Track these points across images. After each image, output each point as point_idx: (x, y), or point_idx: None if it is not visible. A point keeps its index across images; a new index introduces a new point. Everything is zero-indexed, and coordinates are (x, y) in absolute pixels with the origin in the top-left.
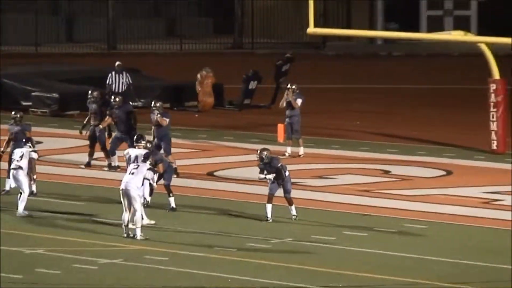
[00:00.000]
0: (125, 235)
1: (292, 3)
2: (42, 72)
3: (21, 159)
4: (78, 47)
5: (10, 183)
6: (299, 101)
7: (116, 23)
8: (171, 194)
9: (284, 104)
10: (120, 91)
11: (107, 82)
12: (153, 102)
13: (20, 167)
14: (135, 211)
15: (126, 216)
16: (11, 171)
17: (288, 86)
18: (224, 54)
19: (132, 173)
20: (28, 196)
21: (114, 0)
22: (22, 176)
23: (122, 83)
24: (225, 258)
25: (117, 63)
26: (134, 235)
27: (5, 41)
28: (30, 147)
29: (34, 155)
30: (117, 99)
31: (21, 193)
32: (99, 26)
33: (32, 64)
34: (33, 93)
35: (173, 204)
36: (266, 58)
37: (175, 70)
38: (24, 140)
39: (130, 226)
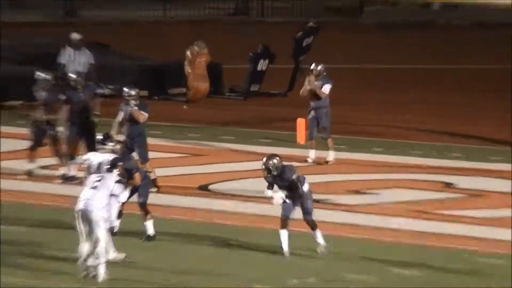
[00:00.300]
0: (82, 275)
1: None
2: None
3: None
4: (24, 15)
5: None
6: (326, 88)
7: None
8: (148, 217)
9: (306, 93)
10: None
11: (58, 60)
12: (125, 89)
13: None
14: (97, 240)
15: (84, 247)
16: None
17: (312, 66)
18: (224, 23)
19: (94, 187)
20: None
21: None
22: None
23: (81, 63)
24: None
25: (73, 34)
26: (95, 275)
27: None
28: None
29: None
30: (77, 79)
31: None
32: None
33: None
34: None
35: (151, 231)
36: (280, 28)
37: (156, 45)
38: None
39: (90, 262)
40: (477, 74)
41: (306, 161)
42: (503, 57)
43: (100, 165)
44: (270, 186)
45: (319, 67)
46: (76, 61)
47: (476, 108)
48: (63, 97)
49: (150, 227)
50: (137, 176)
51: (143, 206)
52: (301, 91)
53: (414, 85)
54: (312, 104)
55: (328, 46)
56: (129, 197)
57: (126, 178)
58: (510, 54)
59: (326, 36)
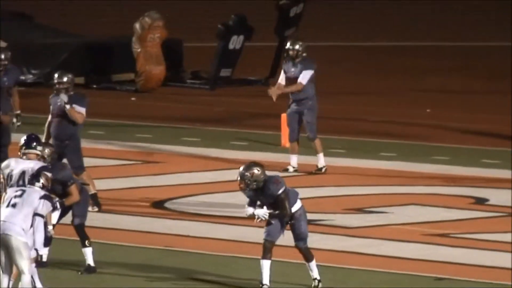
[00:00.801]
0: None
1: None
2: None
3: None
4: None
5: None
6: (304, 77)
7: None
8: (87, 243)
9: (283, 81)
10: None
11: None
12: (56, 75)
13: None
14: (21, 272)
15: (5, 280)
16: None
17: (288, 45)
18: None
19: (14, 205)
20: None
21: None
22: None
23: None
24: None
25: None
26: None
27: None
28: None
29: None
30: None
31: None
32: None
33: None
34: None
35: (90, 261)
36: None
37: (94, 16)
38: None
39: None
40: None
41: (286, 169)
42: None
43: (23, 175)
44: (252, 203)
45: (297, 46)
46: None
47: None
48: None
49: (89, 256)
50: (74, 190)
51: (80, 229)
52: (279, 79)
53: (439, 70)
54: (292, 95)
55: (324, 16)
56: (61, 217)
57: (59, 192)
58: None
59: (321, 3)
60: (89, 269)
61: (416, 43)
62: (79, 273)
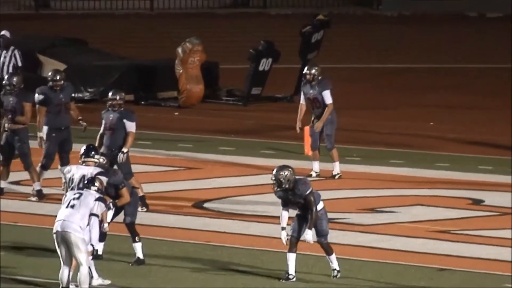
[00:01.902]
0: None
1: None
2: None
3: None
4: None
5: None
6: (327, 97)
7: None
8: (136, 239)
9: (304, 101)
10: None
11: None
12: (110, 93)
13: None
14: (79, 264)
15: (65, 273)
16: None
17: (305, 70)
18: (220, 16)
19: (72, 206)
20: None
21: None
22: None
23: (7, 63)
24: None
25: (2, 32)
26: None
27: None
28: None
29: None
30: (13, 80)
31: None
32: None
33: None
34: None
35: (139, 254)
36: (285, 21)
37: (142, 42)
38: None
39: None
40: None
41: (310, 175)
42: None
43: (82, 179)
44: (285, 204)
45: (313, 71)
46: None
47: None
48: (40, 97)
49: (139, 250)
50: (125, 192)
51: (131, 226)
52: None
53: (443, 87)
54: (314, 112)
55: (341, 42)
56: (114, 216)
57: (112, 194)
58: None
59: (338, 30)
60: (138, 261)
61: (420, 65)
62: (130, 264)
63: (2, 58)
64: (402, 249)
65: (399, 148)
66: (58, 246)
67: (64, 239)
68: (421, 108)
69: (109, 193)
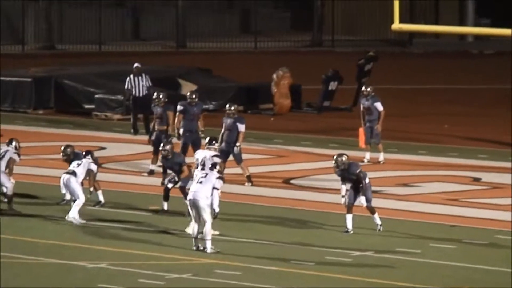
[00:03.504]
0: (194, 248)
1: None
2: (106, 72)
3: (77, 166)
4: (145, 45)
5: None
6: (379, 106)
7: (186, 18)
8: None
9: (362, 109)
10: (140, 95)
11: (126, 86)
12: (227, 105)
13: (74, 173)
14: (204, 222)
15: (195, 227)
16: (62, 175)
17: (363, 88)
18: (302, 53)
19: (201, 182)
20: (95, 206)
21: None
22: (74, 182)
23: (143, 86)
24: (302, 272)
25: (135, 65)
26: (204, 248)
27: (66, 39)
28: (89, 159)
29: (94, 167)
30: (161, 96)
31: (74, 200)
32: (167, 21)
33: (95, 64)
34: (96, 95)
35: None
36: (347, 56)
37: (249, 70)
38: (84, 152)
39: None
40: (504, 92)
41: (363, 161)
42: None
43: (204, 159)
44: (343, 180)
45: (368, 89)
46: (139, 85)
47: (502, 120)
48: (180, 107)
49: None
50: (186, 169)
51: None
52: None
53: (454, 101)
54: (367, 117)
55: (384, 70)
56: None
57: (176, 169)
58: None
59: (383, 62)
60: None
61: (436, 86)
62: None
63: (140, 82)
64: (425, 211)
65: (423, 143)
66: (191, 209)
67: (195, 204)
68: (439, 116)
69: (173, 169)
